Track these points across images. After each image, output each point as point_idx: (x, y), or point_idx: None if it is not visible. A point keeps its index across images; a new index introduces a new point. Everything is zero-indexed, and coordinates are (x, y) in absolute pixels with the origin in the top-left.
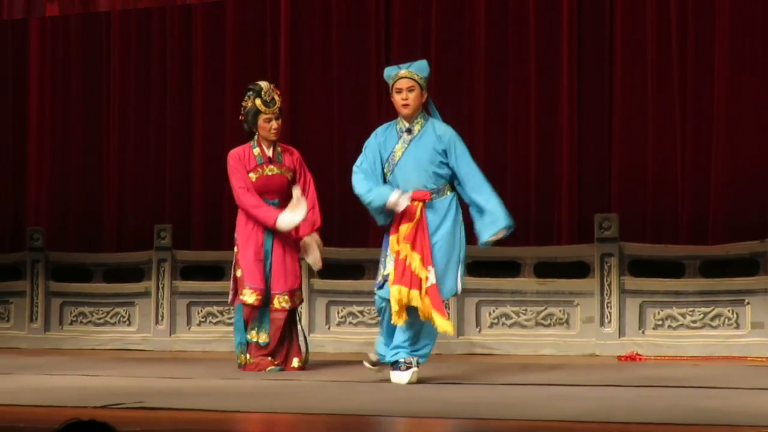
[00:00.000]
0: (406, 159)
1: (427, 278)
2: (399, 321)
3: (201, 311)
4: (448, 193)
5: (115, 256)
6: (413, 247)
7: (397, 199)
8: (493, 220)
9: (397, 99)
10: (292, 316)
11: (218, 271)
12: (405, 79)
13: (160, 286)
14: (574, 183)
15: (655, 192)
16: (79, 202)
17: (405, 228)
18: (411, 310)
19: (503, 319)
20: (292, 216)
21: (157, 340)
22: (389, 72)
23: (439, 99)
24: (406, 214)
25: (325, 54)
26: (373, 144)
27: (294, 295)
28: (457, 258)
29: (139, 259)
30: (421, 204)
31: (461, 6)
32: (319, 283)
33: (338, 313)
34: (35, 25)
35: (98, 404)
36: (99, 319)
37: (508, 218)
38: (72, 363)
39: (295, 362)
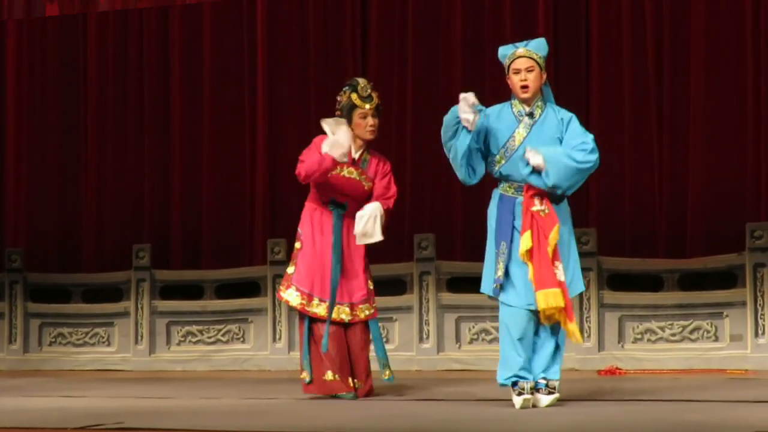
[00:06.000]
0: (527, 145)
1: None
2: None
3: (180, 330)
4: None
5: (94, 277)
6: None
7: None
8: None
9: (515, 80)
10: (360, 330)
11: (197, 291)
12: (523, 58)
13: (139, 305)
14: None
15: (632, 206)
16: (57, 223)
17: (544, 223)
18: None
19: (483, 335)
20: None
21: (136, 360)
22: (504, 51)
23: (416, 96)
24: (532, 212)
25: (302, 56)
26: (481, 121)
27: (356, 308)
28: (575, 255)
29: (117, 279)
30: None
31: (438, 7)
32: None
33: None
34: (12, 30)
35: (78, 425)
36: (78, 339)
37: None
38: (52, 384)
39: (356, 383)
